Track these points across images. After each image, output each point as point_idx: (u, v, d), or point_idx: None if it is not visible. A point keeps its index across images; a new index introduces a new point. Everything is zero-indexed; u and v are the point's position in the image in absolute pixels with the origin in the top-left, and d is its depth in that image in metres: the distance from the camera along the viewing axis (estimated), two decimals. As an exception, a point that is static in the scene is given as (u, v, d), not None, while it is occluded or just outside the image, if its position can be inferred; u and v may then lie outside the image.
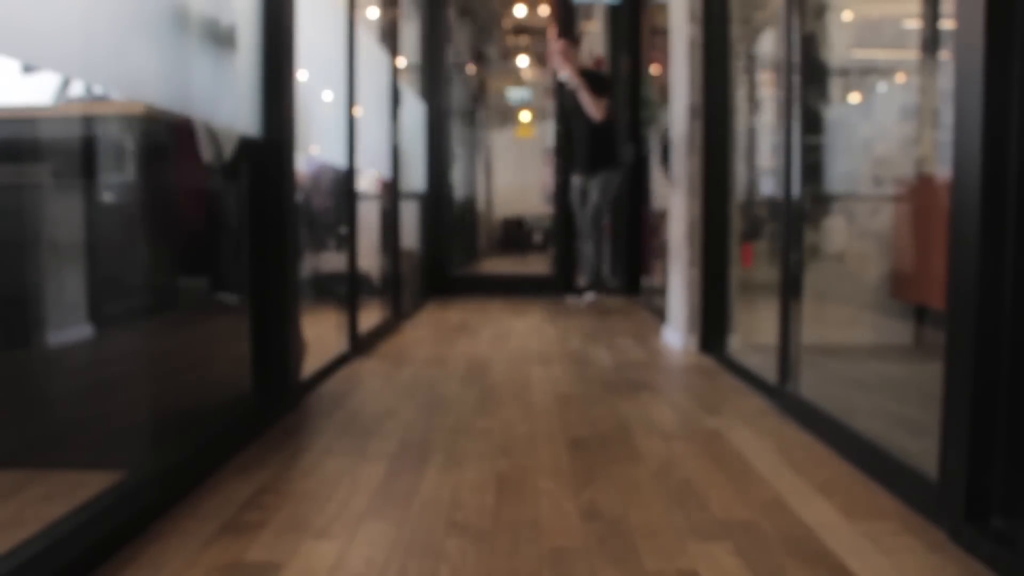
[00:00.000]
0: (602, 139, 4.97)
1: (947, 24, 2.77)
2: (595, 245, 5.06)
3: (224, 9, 2.02)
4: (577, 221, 5.19)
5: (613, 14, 6.28)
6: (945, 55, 2.75)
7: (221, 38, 1.97)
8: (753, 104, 3.53)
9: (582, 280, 5.33)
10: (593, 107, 4.84)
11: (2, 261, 1.78)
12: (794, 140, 2.36)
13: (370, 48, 3.82)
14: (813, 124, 2.91)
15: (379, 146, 4.03)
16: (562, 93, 5.25)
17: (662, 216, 4.32)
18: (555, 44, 5.07)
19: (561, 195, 5.61)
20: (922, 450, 1.56)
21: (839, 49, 3.16)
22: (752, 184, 3.52)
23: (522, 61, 10.39)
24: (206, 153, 2.28)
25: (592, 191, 4.99)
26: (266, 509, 1.57)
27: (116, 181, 2.08)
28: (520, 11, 8.46)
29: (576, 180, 5.11)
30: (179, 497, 1.60)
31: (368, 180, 4.19)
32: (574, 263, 5.51)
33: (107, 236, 2.05)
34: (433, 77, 5.74)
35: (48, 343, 1.90)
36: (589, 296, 5.08)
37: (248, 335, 2.21)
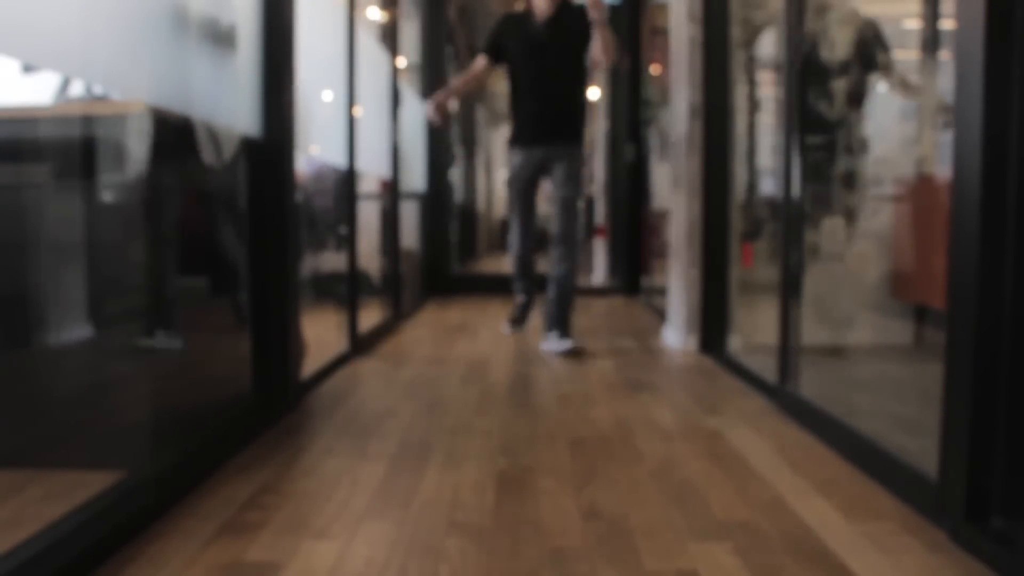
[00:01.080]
0: (584, 99, 3.55)
1: (947, 24, 2.77)
2: (572, 260, 3.46)
3: (224, 9, 2.02)
4: (519, 213, 3.55)
5: (613, 14, 6.26)
6: (945, 55, 2.75)
7: (221, 38, 1.97)
8: (753, 104, 3.53)
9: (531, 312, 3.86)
10: (612, 45, 3.29)
11: (2, 261, 1.79)
12: (794, 140, 2.36)
13: (370, 48, 3.82)
14: (813, 124, 2.90)
15: (379, 146, 4.03)
16: (524, 23, 3.47)
17: (662, 216, 4.32)
18: None
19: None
20: (922, 450, 1.56)
21: (840, 49, 3.16)
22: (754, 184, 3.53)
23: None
24: (206, 153, 2.28)
25: (558, 172, 3.40)
26: (266, 509, 1.57)
27: (116, 181, 2.08)
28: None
29: (526, 155, 3.46)
30: (179, 497, 1.60)
31: (368, 180, 4.19)
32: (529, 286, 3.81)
33: (107, 236, 2.05)
34: (433, 77, 5.74)
35: (48, 343, 1.90)
36: (561, 343, 3.36)
37: (248, 335, 2.21)
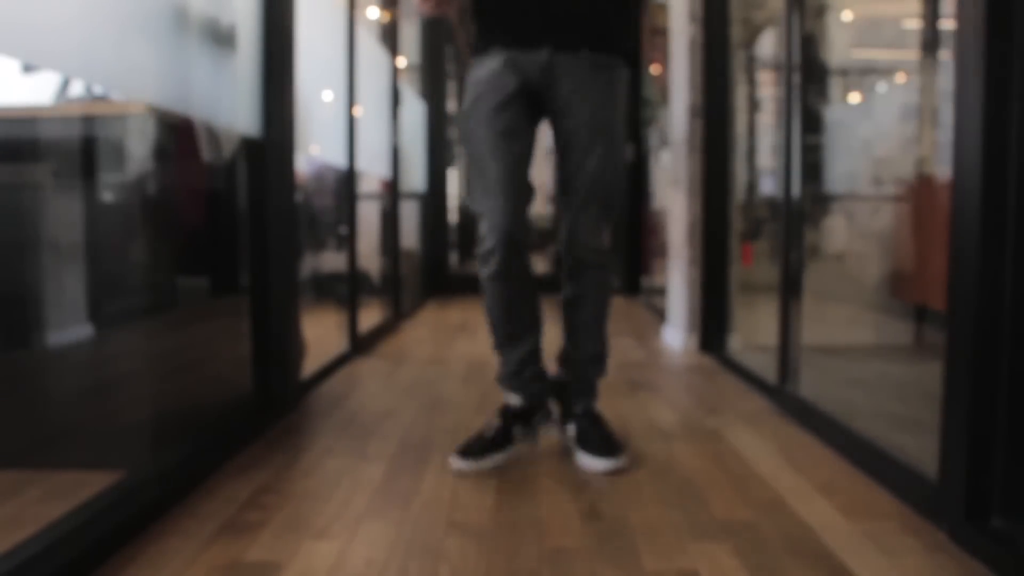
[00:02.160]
0: None
1: (947, 24, 2.77)
2: (607, 287, 1.92)
3: (224, 9, 2.02)
4: (500, 196, 1.74)
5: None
6: (945, 55, 2.75)
7: (221, 38, 1.97)
8: (753, 104, 3.53)
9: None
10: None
11: (2, 261, 1.79)
12: (794, 140, 2.36)
13: (370, 48, 3.82)
14: (813, 124, 2.91)
15: (379, 146, 4.03)
16: None
17: (662, 216, 4.32)
18: None
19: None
20: (922, 450, 1.56)
21: (839, 49, 3.17)
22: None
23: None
24: (206, 153, 2.28)
25: (576, 115, 1.79)
26: (266, 509, 1.57)
27: (116, 181, 2.08)
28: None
29: (504, 69, 1.76)
30: (179, 497, 1.60)
31: (369, 180, 4.18)
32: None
33: (107, 236, 2.05)
34: (433, 77, 5.74)
35: (48, 343, 1.90)
36: (606, 461, 1.79)
37: (248, 335, 2.21)
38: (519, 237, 1.76)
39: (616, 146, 1.82)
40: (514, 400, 1.89)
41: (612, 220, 1.88)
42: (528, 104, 1.79)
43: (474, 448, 1.82)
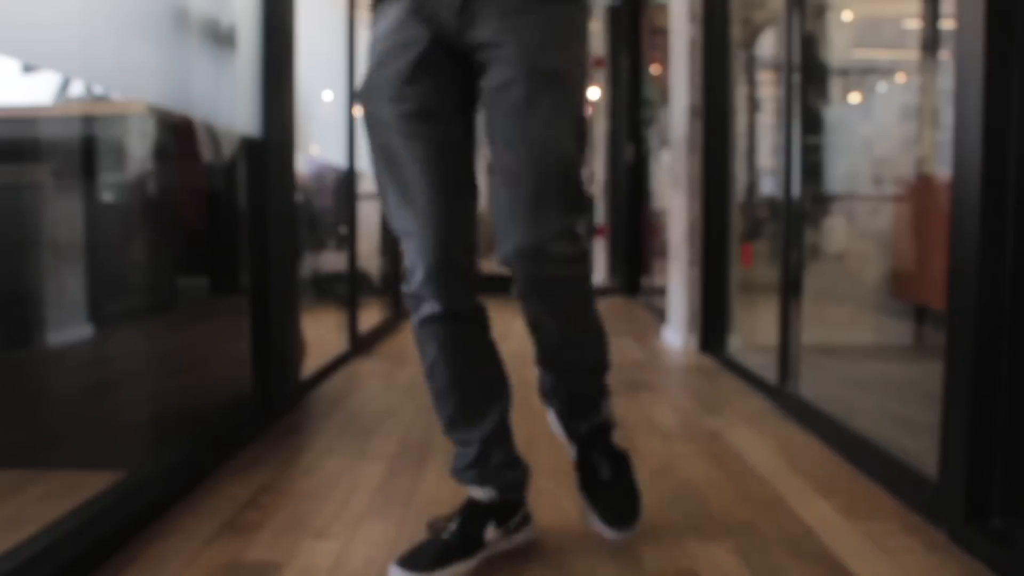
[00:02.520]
0: None
1: (947, 24, 2.77)
2: (589, 327, 1.39)
3: (224, 9, 2.02)
4: (439, 217, 1.27)
5: (613, 14, 6.28)
6: (945, 55, 2.75)
7: (221, 38, 1.97)
8: (753, 104, 3.53)
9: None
10: None
11: (2, 261, 1.78)
12: (794, 140, 2.37)
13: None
14: (813, 124, 2.91)
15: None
16: None
17: (662, 216, 4.32)
18: None
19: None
20: (922, 450, 1.56)
21: (839, 49, 3.17)
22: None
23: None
24: (206, 153, 2.28)
25: (512, 91, 1.18)
26: (266, 509, 1.57)
27: (116, 181, 2.08)
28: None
29: (411, 25, 1.23)
30: (179, 496, 1.60)
31: (369, 180, 4.18)
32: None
33: (107, 236, 2.05)
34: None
35: (48, 343, 1.90)
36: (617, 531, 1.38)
37: (248, 335, 2.21)
38: (461, 261, 1.28)
39: (572, 100, 1.22)
40: (481, 494, 1.36)
41: (580, 208, 1.25)
42: (450, 66, 1.25)
43: (425, 555, 1.28)
